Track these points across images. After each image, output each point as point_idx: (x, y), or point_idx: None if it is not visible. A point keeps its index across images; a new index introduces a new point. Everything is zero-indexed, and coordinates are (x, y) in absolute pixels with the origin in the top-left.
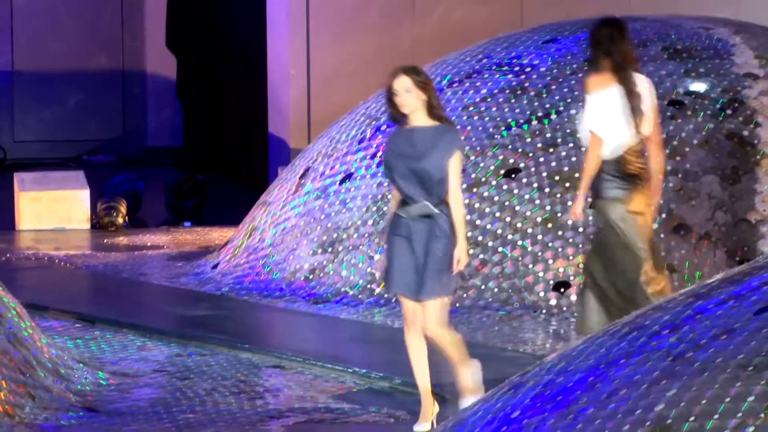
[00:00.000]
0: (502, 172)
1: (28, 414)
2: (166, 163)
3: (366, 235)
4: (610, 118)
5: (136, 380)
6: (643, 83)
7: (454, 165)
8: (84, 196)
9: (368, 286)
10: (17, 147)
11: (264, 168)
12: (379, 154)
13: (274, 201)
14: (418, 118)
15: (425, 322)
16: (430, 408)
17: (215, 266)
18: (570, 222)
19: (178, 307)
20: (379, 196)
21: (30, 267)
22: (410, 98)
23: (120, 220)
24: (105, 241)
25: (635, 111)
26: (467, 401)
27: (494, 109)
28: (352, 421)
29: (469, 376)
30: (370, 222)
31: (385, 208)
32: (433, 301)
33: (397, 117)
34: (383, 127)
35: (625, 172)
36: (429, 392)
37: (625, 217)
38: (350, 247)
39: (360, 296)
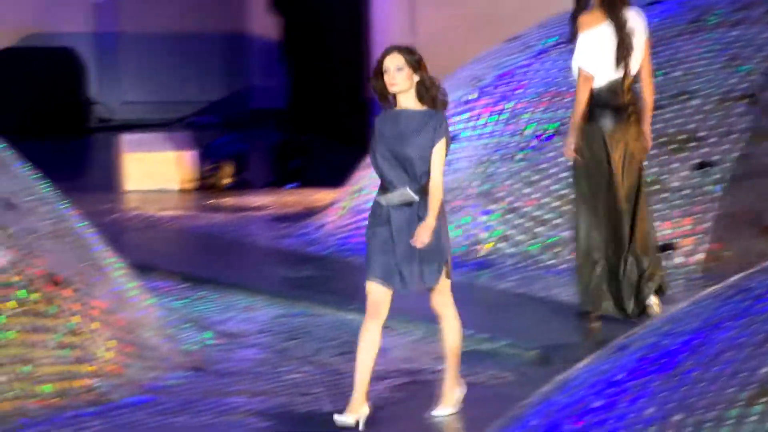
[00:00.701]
0: None
1: (135, 373)
2: (271, 125)
3: (472, 197)
4: (601, 54)
5: (242, 340)
6: (635, 18)
7: (438, 152)
8: (189, 157)
9: (473, 247)
10: (123, 108)
11: (368, 130)
12: (483, 116)
13: None
14: (407, 100)
15: (438, 304)
16: (360, 406)
17: (320, 227)
18: (675, 184)
19: (283, 268)
20: (485, 158)
21: (136, 228)
22: (401, 77)
23: (225, 181)
24: (210, 202)
25: (627, 47)
26: (443, 411)
27: None
28: None
29: (458, 390)
30: (476, 183)
31: (489, 170)
32: (439, 284)
33: (384, 97)
34: (487, 88)
35: (615, 105)
36: (365, 390)
37: (611, 147)
38: (455, 209)
39: (465, 258)
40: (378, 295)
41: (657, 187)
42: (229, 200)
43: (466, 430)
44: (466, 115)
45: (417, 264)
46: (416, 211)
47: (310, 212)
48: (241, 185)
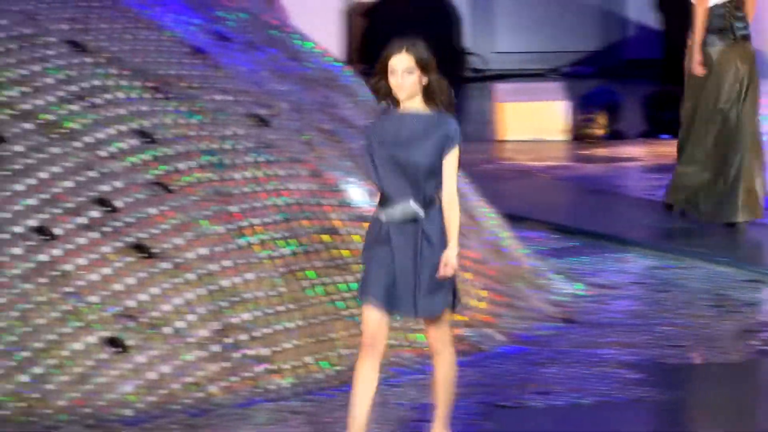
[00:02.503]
0: None
1: (506, 323)
2: (645, 75)
3: None
4: None
5: (614, 292)
6: None
7: (451, 161)
8: (562, 107)
9: None
10: (497, 58)
11: None
12: None
13: None
14: (412, 102)
15: (435, 338)
16: None
17: None
18: None
19: (655, 219)
20: None
21: (509, 177)
22: (410, 81)
23: (598, 131)
24: (583, 152)
25: None
26: None
27: None
28: None
29: None
30: None
31: None
32: (436, 317)
33: (386, 99)
34: None
35: (720, 27)
36: None
37: (712, 66)
38: None
39: None
40: (374, 323)
41: None
42: (602, 150)
43: None
44: None
45: (420, 291)
46: (420, 227)
47: None
48: (614, 136)
